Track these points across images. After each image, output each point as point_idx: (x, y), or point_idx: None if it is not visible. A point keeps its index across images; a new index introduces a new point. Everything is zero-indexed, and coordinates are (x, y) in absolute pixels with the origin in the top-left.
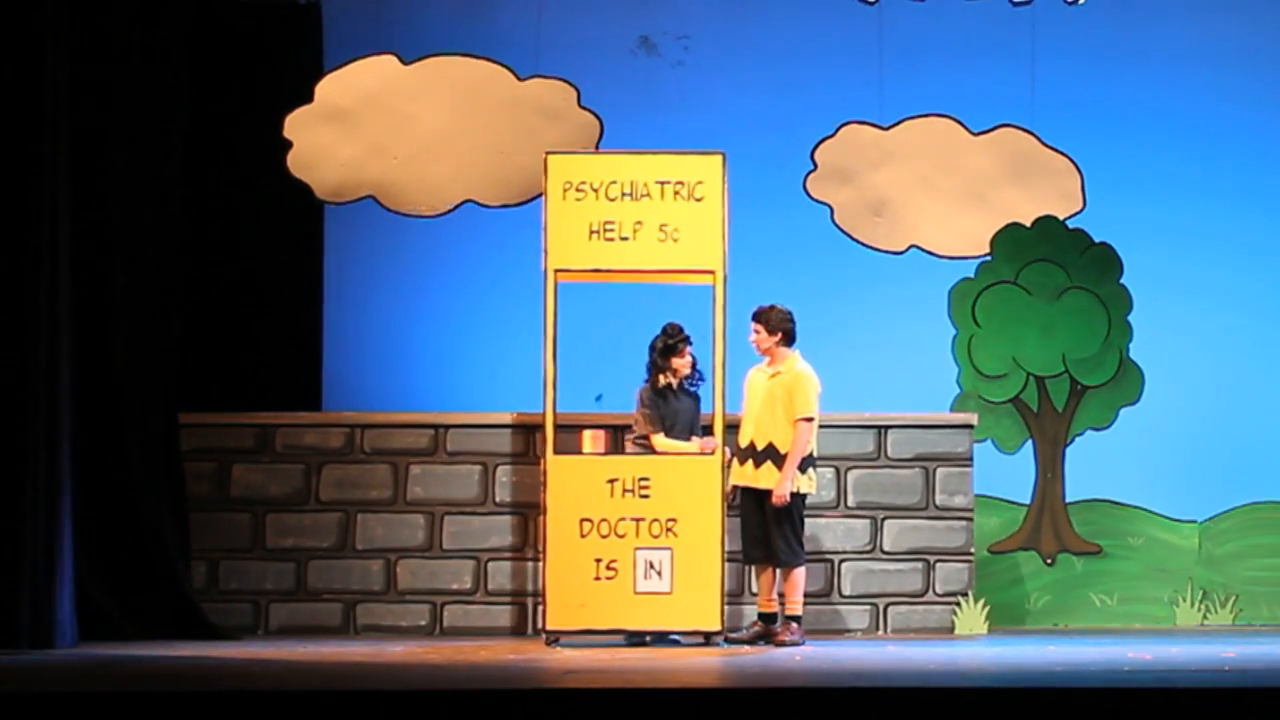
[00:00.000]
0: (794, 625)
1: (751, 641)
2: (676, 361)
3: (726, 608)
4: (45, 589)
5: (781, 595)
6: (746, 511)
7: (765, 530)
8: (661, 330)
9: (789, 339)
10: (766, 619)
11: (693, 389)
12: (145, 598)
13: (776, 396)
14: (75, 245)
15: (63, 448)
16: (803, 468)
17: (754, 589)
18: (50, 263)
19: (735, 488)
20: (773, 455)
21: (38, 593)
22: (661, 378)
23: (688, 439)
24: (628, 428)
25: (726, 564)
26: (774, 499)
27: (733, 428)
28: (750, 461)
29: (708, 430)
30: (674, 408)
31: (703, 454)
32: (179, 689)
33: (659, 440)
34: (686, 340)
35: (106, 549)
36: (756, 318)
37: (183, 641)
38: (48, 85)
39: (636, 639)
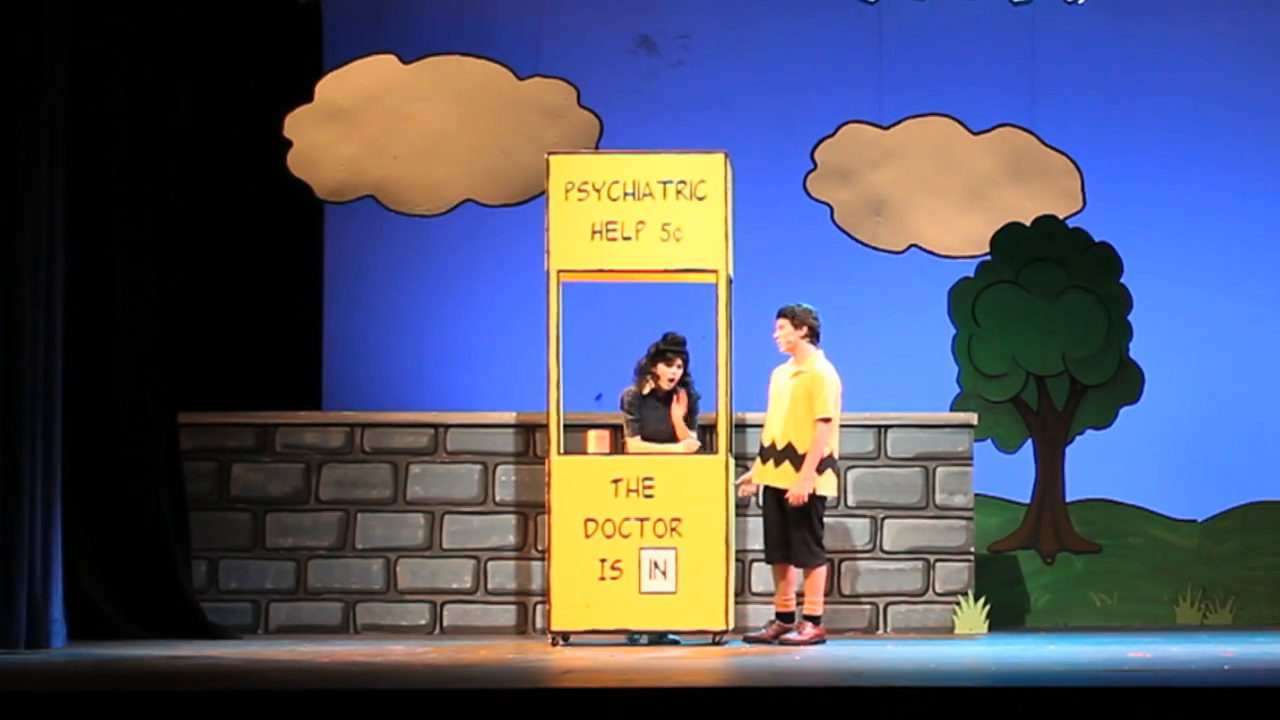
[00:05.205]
0: (809, 625)
1: (771, 640)
2: (663, 368)
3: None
4: (43, 589)
5: (800, 594)
6: (768, 511)
7: (784, 530)
8: (663, 336)
9: (814, 336)
10: (783, 618)
11: (690, 385)
12: (145, 597)
13: (797, 396)
14: (73, 245)
15: (60, 447)
16: (822, 469)
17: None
18: (48, 262)
19: (757, 486)
20: (791, 455)
21: (35, 592)
22: (646, 383)
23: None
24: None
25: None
26: (790, 499)
27: (739, 427)
28: (771, 461)
29: (706, 429)
30: (662, 411)
31: (688, 454)
32: (179, 689)
33: (633, 444)
34: (680, 354)
35: (106, 548)
36: (782, 313)
37: (182, 641)
38: (46, 84)
39: (636, 638)
